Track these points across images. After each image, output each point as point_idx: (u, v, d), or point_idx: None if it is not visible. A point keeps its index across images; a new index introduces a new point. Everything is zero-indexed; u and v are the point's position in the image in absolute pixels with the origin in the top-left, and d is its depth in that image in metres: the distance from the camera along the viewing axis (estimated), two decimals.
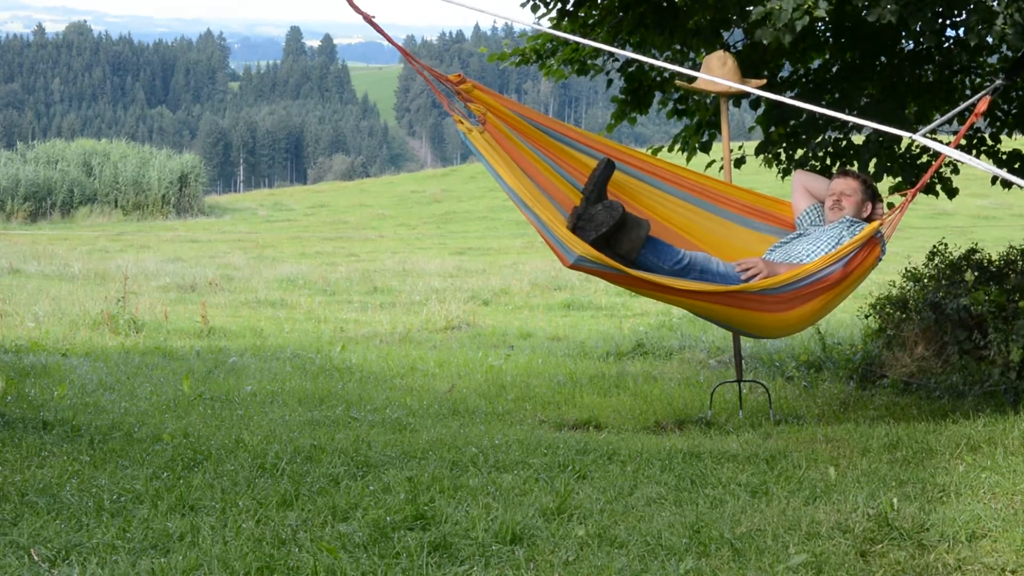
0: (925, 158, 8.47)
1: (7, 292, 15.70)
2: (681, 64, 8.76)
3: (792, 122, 8.61)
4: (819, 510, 4.24)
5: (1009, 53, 8.08)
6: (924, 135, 4.73)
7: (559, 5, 8.85)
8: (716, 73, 6.76)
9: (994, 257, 8.20)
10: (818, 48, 8.79)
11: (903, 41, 8.41)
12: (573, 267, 5.05)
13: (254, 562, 3.62)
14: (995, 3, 6.70)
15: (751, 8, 6.90)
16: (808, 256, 5.48)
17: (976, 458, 5.04)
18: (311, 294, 17.62)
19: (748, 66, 8.04)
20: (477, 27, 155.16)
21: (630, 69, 9.12)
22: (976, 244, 8.50)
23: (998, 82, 5.71)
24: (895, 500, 4.23)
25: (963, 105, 6.07)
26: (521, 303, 16.66)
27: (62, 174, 41.37)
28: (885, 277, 10.58)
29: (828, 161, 8.65)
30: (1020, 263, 7.92)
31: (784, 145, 8.80)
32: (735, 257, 5.54)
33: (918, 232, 25.09)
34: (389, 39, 5.15)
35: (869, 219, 5.66)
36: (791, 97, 8.18)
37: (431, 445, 5.55)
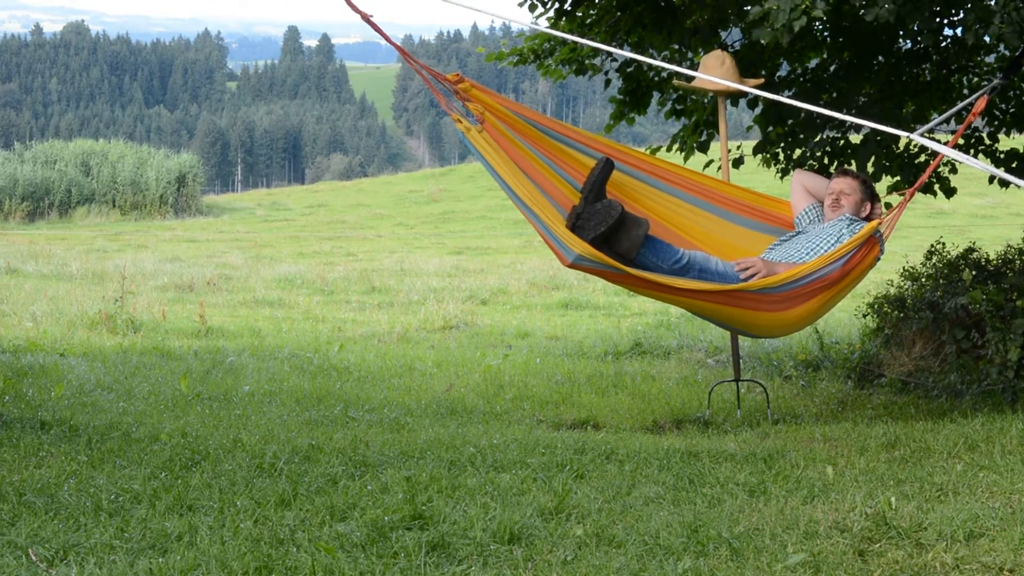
0: (923, 157, 8.47)
1: (5, 292, 15.68)
2: (679, 64, 8.76)
3: (790, 121, 8.61)
4: (817, 509, 4.24)
5: (1007, 52, 8.08)
6: (922, 134, 4.73)
7: (556, 5, 8.84)
8: (714, 73, 6.77)
9: (992, 256, 8.20)
10: (816, 47, 8.80)
11: (901, 40, 8.42)
12: (572, 266, 5.05)
13: (252, 562, 3.62)
14: (992, 2, 6.70)
15: (749, 8, 6.89)
16: (807, 254, 5.48)
17: (974, 457, 5.05)
18: (309, 294, 17.58)
19: (746, 65, 8.04)
20: (475, 27, 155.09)
21: (628, 69, 9.12)
22: (974, 243, 8.50)
23: (996, 81, 5.73)
24: (893, 499, 4.23)
25: (961, 104, 6.08)
26: (519, 302, 16.63)
27: (60, 174, 41.26)
28: (883, 276, 10.57)
29: (826, 160, 8.65)
30: (1018, 262, 7.93)
31: (782, 144, 8.80)
32: (734, 256, 5.54)
33: (916, 231, 25.08)
34: (387, 38, 5.15)
35: (868, 219, 5.66)
36: (789, 96, 8.17)
37: (429, 445, 5.55)
